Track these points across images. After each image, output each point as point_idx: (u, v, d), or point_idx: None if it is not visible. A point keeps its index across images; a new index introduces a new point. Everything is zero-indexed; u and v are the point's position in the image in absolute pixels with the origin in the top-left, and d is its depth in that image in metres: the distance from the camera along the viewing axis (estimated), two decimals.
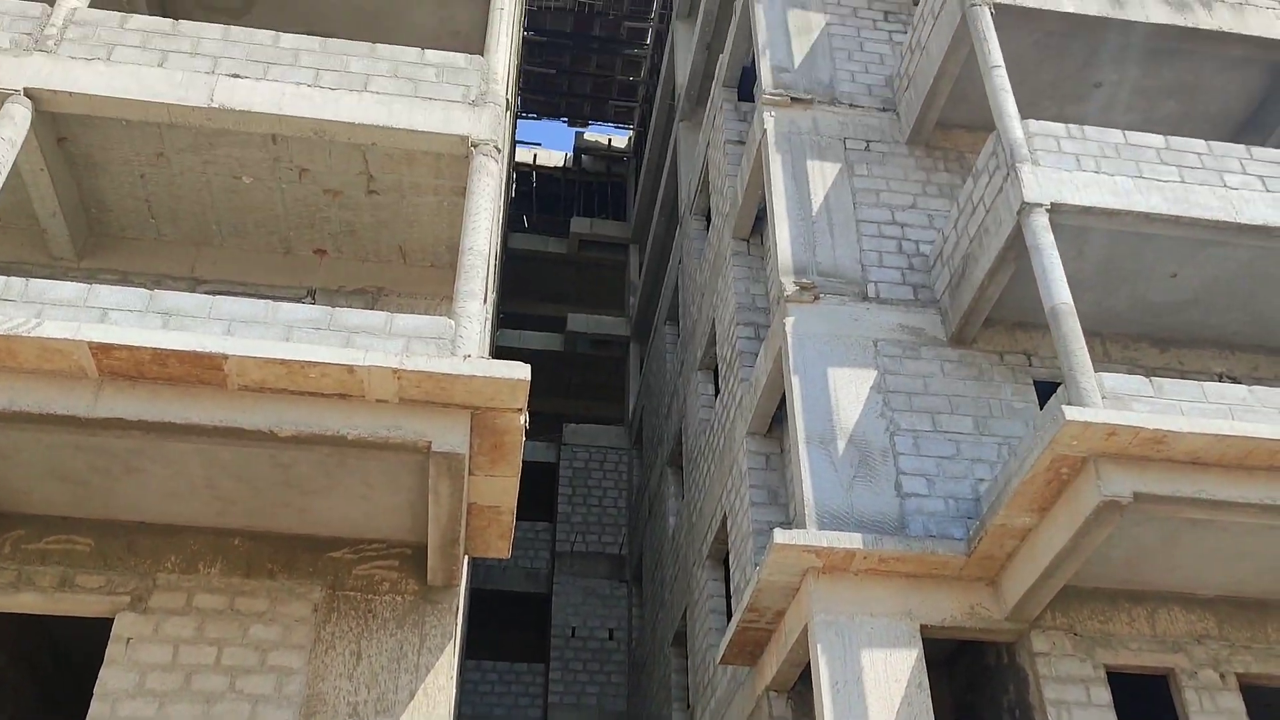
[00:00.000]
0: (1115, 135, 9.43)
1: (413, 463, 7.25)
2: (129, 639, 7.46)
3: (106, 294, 6.99)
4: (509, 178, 18.82)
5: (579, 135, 26.44)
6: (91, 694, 9.14)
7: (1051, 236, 8.60)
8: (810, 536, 8.32)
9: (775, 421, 10.90)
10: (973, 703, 9.17)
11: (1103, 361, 10.04)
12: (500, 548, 8.12)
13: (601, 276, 25.24)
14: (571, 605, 19.28)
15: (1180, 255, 9.37)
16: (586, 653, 18.85)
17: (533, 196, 26.23)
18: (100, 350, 6.51)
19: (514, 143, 20.51)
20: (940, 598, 8.45)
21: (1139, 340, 10.33)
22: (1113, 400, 7.58)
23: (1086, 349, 7.93)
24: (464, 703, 18.45)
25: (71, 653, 10.37)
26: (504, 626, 21.27)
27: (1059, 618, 8.46)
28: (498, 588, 19.75)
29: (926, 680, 8.06)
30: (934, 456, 9.28)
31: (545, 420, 22.93)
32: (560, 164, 26.37)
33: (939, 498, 9.03)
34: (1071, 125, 9.46)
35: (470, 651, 20.41)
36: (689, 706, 13.29)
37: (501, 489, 7.57)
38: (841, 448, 9.18)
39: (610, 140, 26.55)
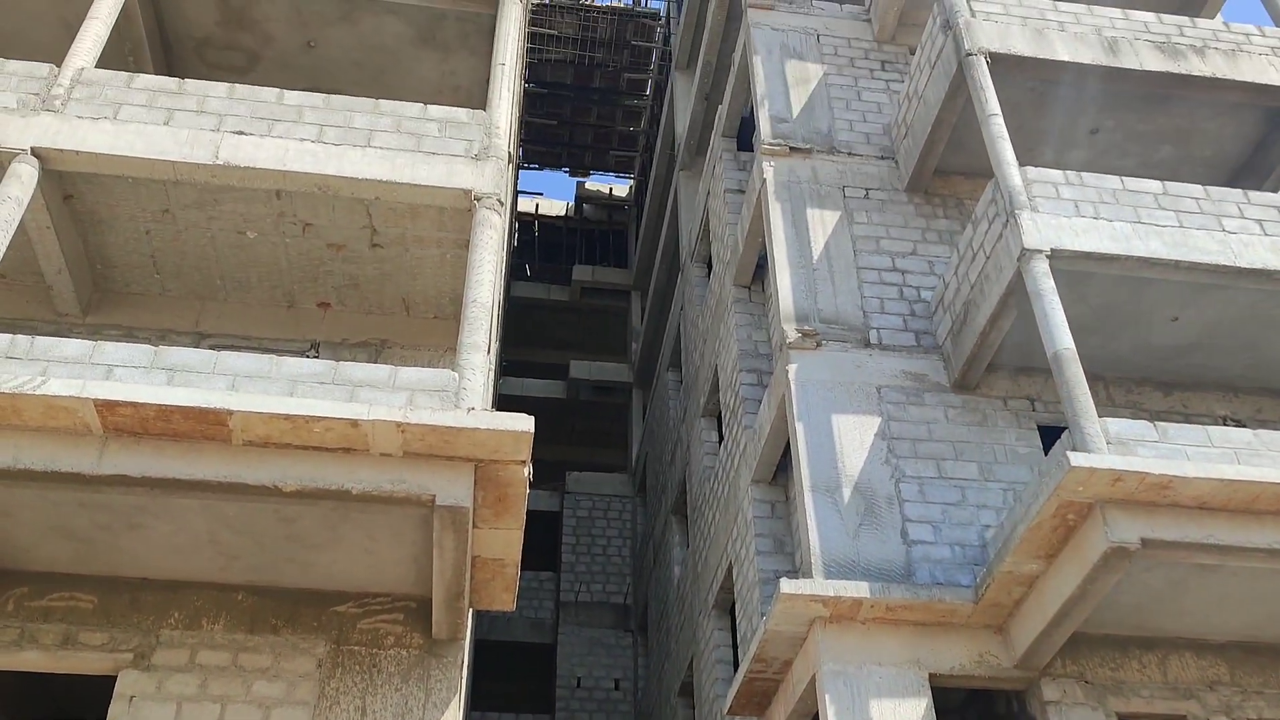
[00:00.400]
0: (1113, 181, 9.50)
1: (417, 516, 7.24)
2: (132, 697, 7.40)
3: (111, 351, 7.03)
4: (511, 227, 18.95)
5: (580, 184, 26.67)
6: None
7: (1052, 282, 8.64)
8: (817, 586, 8.28)
9: (780, 469, 10.88)
10: None
11: (1106, 405, 10.04)
12: (505, 600, 8.09)
13: (604, 323, 25.32)
14: (577, 655, 19.11)
15: (1181, 299, 9.40)
16: (592, 703, 18.66)
17: (535, 245, 26.38)
18: (105, 407, 6.52)
19: (516, 193, 20.68)
20: (949, 646, 8.39)
21: (1142, 384, 10.34)
22: (1118, 445, 7.56)
23: (1090, 394, 7.93)
24: None
25: (74, 710, 10.27)
26: (509, 677, 21.06)
27: (1069, 665, 8.38)
28: (502, 638, 19.59)
29: None
30: (939, 503, 9.25)
31: (548, 468, 22.88)
32: (562, 213, 26.56)
33: (945, 545, 8.99)
34: (1069, 171, 9.54)
35: (475, 703, 20.20)
36: None
37: (506, 542, 7.55)
38: (847, 495, 9.15)
39: (611, 189, 26.76)
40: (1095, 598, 7.61)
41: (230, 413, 6.57)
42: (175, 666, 7.54)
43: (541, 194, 26.68)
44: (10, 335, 7.05)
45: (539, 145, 25.14)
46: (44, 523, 7.34)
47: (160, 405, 6.52)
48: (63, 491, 6.91)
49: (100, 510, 7.24)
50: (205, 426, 6.65)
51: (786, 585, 8.23)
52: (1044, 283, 8.63)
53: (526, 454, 6.90)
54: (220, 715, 7.38)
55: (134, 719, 7.30)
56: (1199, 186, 9.58)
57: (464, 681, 8.53)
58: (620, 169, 25.99)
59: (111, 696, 7.47)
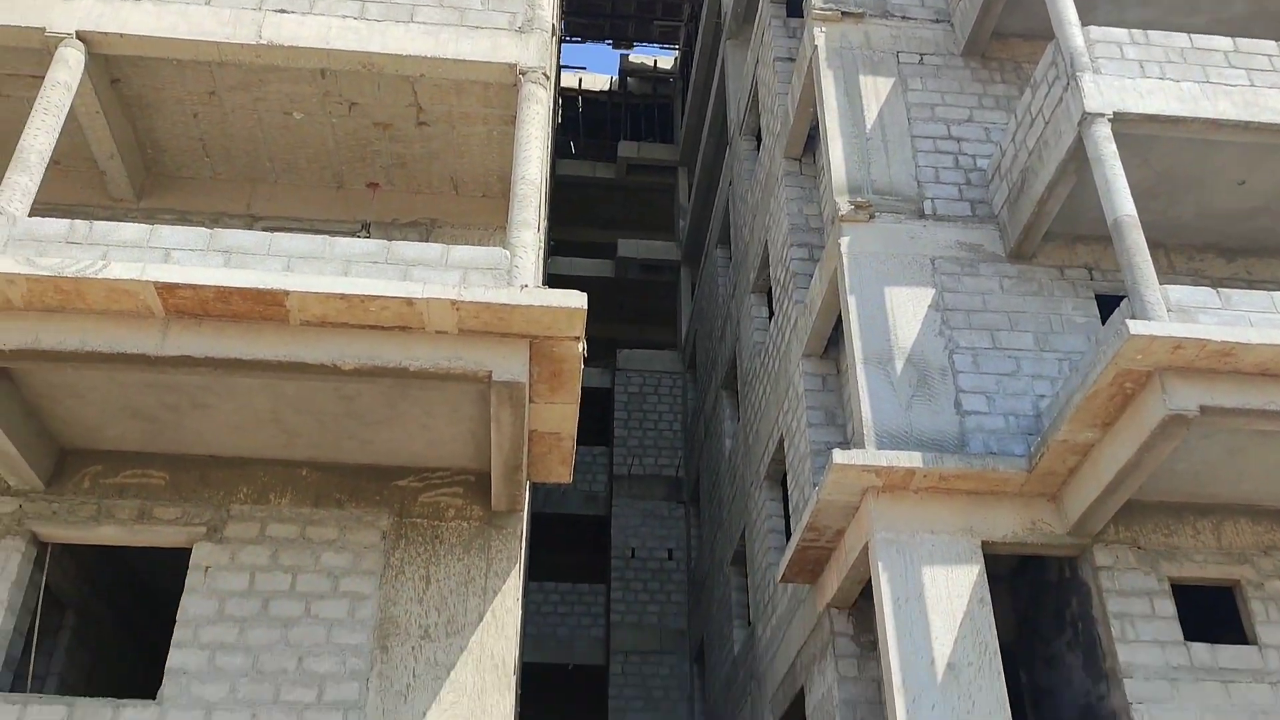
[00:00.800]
0: (1181, 39, 9.12)
1: (474, 392, 7.35)
2: (207, 567, 7.71)
3: (168, 234, 7.11)
4: (555, 103, 18.68)
5: (624, 58, 26.07)
6: (168, 624, 9.50)
7: (1114, 147, 8.38)
8: (869, 456, 8.33)
9: (831, 343, 10.86)
10: (1035, 617, 9.21)
11: (1167, 273, 9.84)
12: (562, 473, 8.25)
13: (650, 200, 25.09)
14: (630, 527, 19.54)
15: (1249, 161, 9.09)
16: (646, 573, 19.14)
17: (579, 121, 26.02)
18: (165, 290, 6.63)
19: (559, 67, 20.32)
20: (1001, 514, 8.45)
21: (1205, 250, 10.10)
22: (1178, 313, 7.44)
23: (1150, 261, 7.77)
24: (528, 623, 18.89)
25: (150, 584, 10.73)
26: (565, 549, 21.65)
27: (1122, 531, 8.43)
28: (558, 511, 20.06)
29: (988, 595, 8.10)
30: (994, 374, 9.20)
31: (598, 346, 23.04)
32: (606, 88, 26.07)
33: (999, 415, 8.97)
34: (1135, 30, 9.15)
35: (533, 573, 20.83)
36: (750, 624, 13.50)
37: (561, 416, 7.66)
38: (899, 367, 9.13)
39: (656, 61, 26.16)
40: (1151, 466, 7.60)
41: (287, 293, 6.66)
42: (246, 539, 7.83)
43: (585, 68, 26.17)
44: (69, 220, 7.15)
45: (580, 17, 24.56)
46: (113, 403, 7.56)
47: (219, 287, 6.62)
48: (129, 373, 7.09)
49: (166, 390, 7.43)
50: (263, 307, 6.75)
51: (839, 456, 8.30)
52: (1106, 147, 8.38)
53: (580, 330, 6.94)
54: (292, 584, 7.68)
55: (210, 588, 7.62)
56: (1271, 43, 9.17)
57: (523, 552, 8.76)
58: (665, 40, 25.37)
59: (187, 568, 7.79)
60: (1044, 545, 8.44)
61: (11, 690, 7.81)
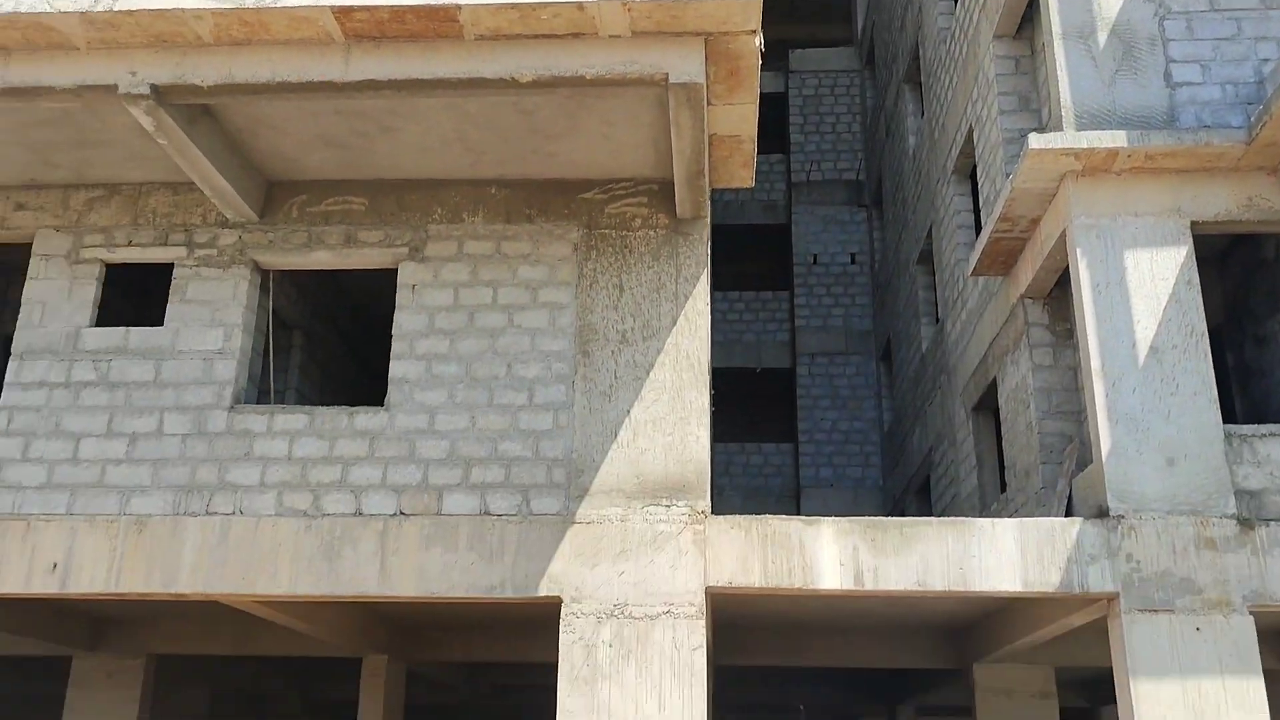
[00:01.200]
0: None
1: (651, 97, 7.26)
2: (414, 285, 8.15)
3: None
4: None
5: None
6: (383, 340, 10.15)
7: None
8: (1068, 139, 7.89)
9: (1025, 20, 10.08)
10: (1245, 297, 8.82)
11: None
12: (744, 177, 8.18)
13: None
14: (811, 233, 19.42)
15: None
16: (829, 277, 19.16)
17: None
18: (342, 14, 6.67)
19: None
20: (1213, 191, 7.96)
21: None
22: None
23: None
24: (715, 331, 19.40)
25: (363, 304, 11.47)
26: (747, 259, 21.79)
27: None
28: (738, 222, 20.05)
29: (1196, 277, 7.77)
30: (1210, 39, 8.41)
31: (770, 48, 22.10)
32: None
33: (1215, 84, 8.27)
34: None
35: (716, 283, 21.17)
36: (937, 320, 13.46)
37: (740, 117, 7.50)
38: (1103, 40, 8.44)
39: None
40: None
41: (459, 7, 6.59)
42: (446, 257, 8.19)
43: None
44: None
45: None
46: (308, 133, 7.84)
47: (393, 6, 6.61)
48: (318, 101, 7.29)
49: (355, 117, 7.63)
50: (437, 24, 6.73)
51: (1035, 141, 7.89)
52: None
53: (756, 22, 6.65)
54: (493, 298, 8.06)
55: (419, 305, 8.09)
56: None
57: (708, 258, 8.87)
58: None
59: (395, 287, 8.23)
60: (1261, 222, 7.95)
61: (258, 402, 8.64)
